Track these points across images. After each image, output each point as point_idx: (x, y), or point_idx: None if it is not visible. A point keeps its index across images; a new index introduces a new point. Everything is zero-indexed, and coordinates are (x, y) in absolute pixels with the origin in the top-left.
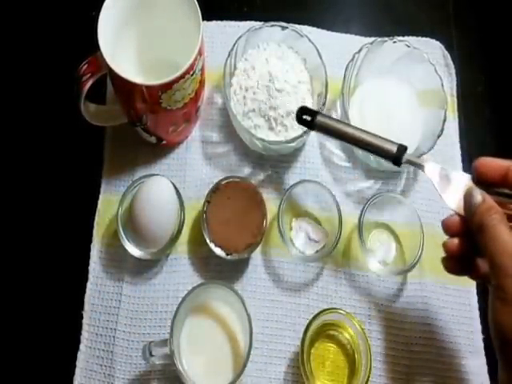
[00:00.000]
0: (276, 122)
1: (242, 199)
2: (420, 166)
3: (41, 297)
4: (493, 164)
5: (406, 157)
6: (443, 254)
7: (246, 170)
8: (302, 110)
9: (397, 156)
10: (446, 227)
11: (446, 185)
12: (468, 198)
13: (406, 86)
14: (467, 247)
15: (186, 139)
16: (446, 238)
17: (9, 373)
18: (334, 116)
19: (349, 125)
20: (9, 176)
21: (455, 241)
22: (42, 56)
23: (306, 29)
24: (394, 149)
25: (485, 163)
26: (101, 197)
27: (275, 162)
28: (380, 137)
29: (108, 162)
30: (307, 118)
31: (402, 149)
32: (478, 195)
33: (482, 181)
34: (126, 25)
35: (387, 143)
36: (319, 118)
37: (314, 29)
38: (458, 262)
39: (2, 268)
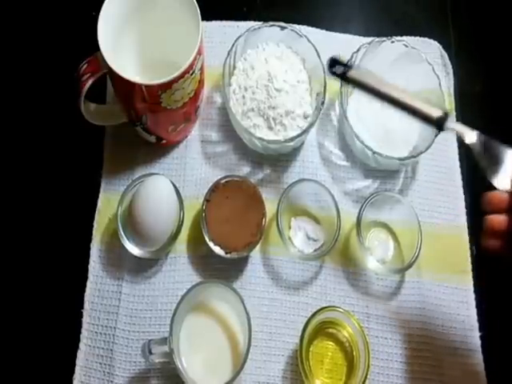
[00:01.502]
0: (275, 122)
1: (241, 198)
2: (463, 135)
3: (41, 296)
4: None
5: (448, 123)
6: (441, 253)
7: (245, 170)
8: (332, 62)
9: (440, 120)
10: (490, 202)
11: (493, 161)
12: None
13: (403, 86)
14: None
15: (186, 138)
16: (444, 238)
17: (9, 371)
18: (332, 115)
19: (387, 84)
20: (9, 176)
21: (501, 217)
22: (43, 55)
23: (304, 29)
24: (438, 114)
25: None
26: (100, 196)
27: (274, 162)
28: (421, 100)
29: (108, 161)
30: (338, 70)
31: (446, 115)
32: None
33: None
34: (125, 25)
35: (430, 108)
36: (352, 73)
37: (313, 29)
38: (500, 239)
39: (2, 267)
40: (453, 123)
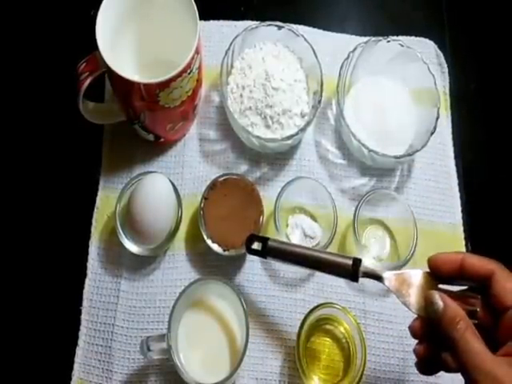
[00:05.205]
0: (272, 120)
1: (239, 196)
2: (378, 278)
3: (40, 293)
4: (446, 259)
5: (362, 269)
6: (436, 250)
7: (242, 168)
8: (251, 240)
9: (354, 270)
10: (413, 332)
11: (406, 289)
12: (430, 305)
13: (399, 85)
14: (435, 349)
15: (184, 137)
16: (440, 235)
17: (8, 369)
18: (329, 114)
19: (300, 246)
20: (7, 174)
21: (422, 347)
22: (41, 54)
23: (301, 28)
24: (349, 263)
25: (438, 259)
26: (99, 194)
27: (271, 160)
28: (334, 253)
29: (106, 160)
30: (257, 247)
31: (358, 262)
32: (439, 301)
33: (438, 276)
34: (124, 24)
35: (341, 258)
36: (270, 243)
37: (310, 28)
38: (430, 364)
39: (1, 265)
40: (366, 268)
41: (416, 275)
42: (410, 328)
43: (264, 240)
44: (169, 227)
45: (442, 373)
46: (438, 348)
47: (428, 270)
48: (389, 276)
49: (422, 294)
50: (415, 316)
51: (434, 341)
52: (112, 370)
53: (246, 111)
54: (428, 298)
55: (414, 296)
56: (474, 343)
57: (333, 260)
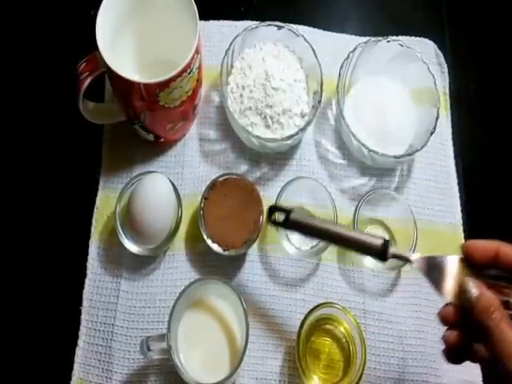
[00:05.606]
0: (272, 120)
1: (239, 196)
2: (407, 260)
3: (40, 293)
4: (481, 246)
5: (391, 251)
6: (436, 250)
7: (242, 167)
8: (272, 210)
9: (383, 250)
10: (443, 318)
11: (437, 274)
12: (463, 293)
13: (399, 85)
14: (466, 337)
15: (184, 137)
16: (439, 235)
17: (8, 368)
18: (329, 114)
19: (325, 220)
20: (7, 174)
21: (454, 333)
22: (41, 54)
23: (301, 28)
24: (379, 242)
25: (473, 246)
26: (99, 194)
27: (271, 160)
28: (361, 231)
29: (106, 160)
30: (279, 218)
31: (387, 242)
32: (474, 289)
33: (472, 264)
34: (124, 24)
35: (370, 237)
36: (293, 216)
37: (310, 28)
38: (460, 352)
39: (1, 265)
40: (394, 250)
41: (449, 261)
42: (440, 314)
43: (287, 211)
44: (169, 227)
45: (442, 373)
46: (469, 336)
47: (460, 256)
48: (418, 259)
49: (455, 280)
50: (443, 304)
51: (466, 328)
52: (112, 370)
53: (245, 111)
54: (462, 285)
55: (445, 282)
56: (509, 332)
57: (361, 238)
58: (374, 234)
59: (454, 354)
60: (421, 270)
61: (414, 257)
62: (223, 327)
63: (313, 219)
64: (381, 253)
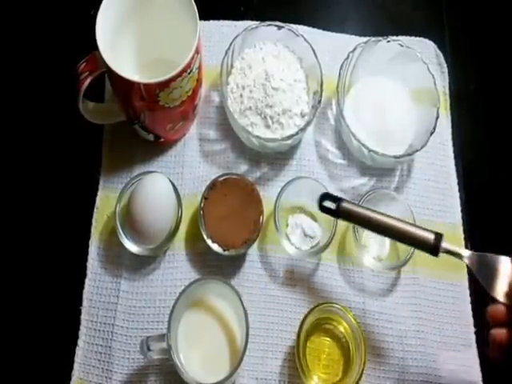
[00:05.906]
0: (272, 120)
1: (239, 196)
2: (459, 256)
3: (40, 293)
4: None
5: (443, 246)
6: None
7: (242, 167)
8: (324, 197)
9: (435, 244)
10: (492, 317)
11: (488, 272)
12: None
13: (399, 85)
14: None
15: (184, 137)
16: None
17: (8, 368)
18: (329, 114)
19: (377, 211)
20: (7, 174)
21: (503, 331)
22: (41, 54)
23: (301, 28)
24: (431, 237)
25: None
26: (99, 194)
27: (271, 160)
28: (413, 224)
29: (106, 160)
30: (330, 205)
31: (439, 237)
32: None
33: None
34: (124, 24)
35: (424, 232)
36: (344, 205)
37: (310, 28)
38: (506, 351)
39: (1, 265)
40: (448, 244)
41: (502, 261)
42: (489, 312)
43: (338, 200)
44: (169, 227)
45: (443, 373)
46: None
47: None
48: (470, 255)
49: (507, 281)
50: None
51: None
52: (112, 370)
53: (245, 111)
54: None
55: (497, 281)
56: None
57: (413, 232)
58: (426, 228)
59: (501, 352)
60: (472, 267)
61: (466, 253)
62: (223, 327)
63: (364, 209)
64: (433, 247)
